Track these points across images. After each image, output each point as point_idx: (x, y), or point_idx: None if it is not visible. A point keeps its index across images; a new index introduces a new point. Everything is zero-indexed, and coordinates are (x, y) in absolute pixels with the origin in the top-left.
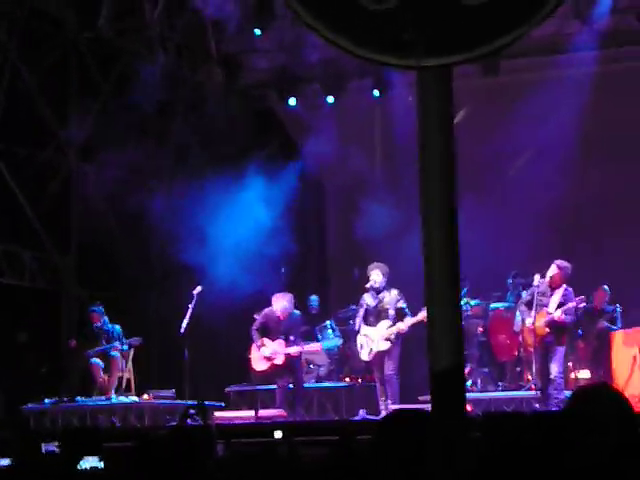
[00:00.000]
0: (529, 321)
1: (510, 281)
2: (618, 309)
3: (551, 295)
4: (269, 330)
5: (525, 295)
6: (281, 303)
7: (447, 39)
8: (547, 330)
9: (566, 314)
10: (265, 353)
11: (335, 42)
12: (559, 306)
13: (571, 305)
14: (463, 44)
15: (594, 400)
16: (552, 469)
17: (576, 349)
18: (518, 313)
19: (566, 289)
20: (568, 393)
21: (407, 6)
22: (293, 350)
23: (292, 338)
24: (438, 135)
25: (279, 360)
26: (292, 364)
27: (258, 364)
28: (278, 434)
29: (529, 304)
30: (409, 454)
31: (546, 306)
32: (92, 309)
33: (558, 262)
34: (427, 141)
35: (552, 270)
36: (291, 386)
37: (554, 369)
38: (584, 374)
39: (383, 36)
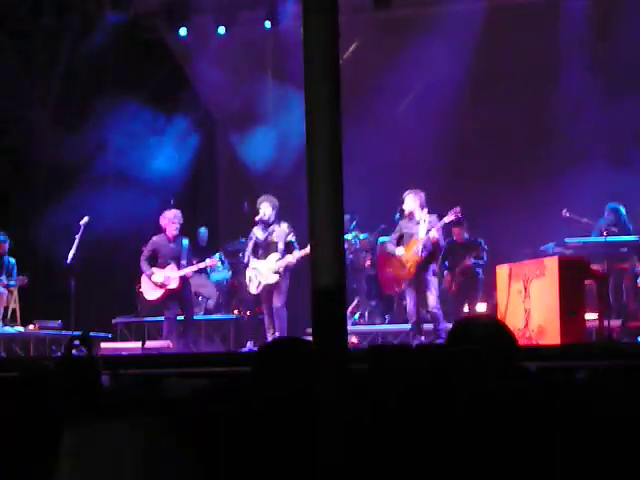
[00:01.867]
0: (401, 253)
1: (398, 216)
2: (483, 244)
3: (417, 224)
4: (159, 257)
5: (392, 234)
6: (167, 216)
7: None
8: (422, 255)
9: (439, 233)
10: (157, 280)
11: None
12: (428, 232)
13: (440, 223)
14: None
15: (481, 333)
16: (438, 398)
17: (443, 283)
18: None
19: (431, 215)
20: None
21: None
22: (188, 270)
23: (183, 262)
24: (324, 60)
25: (173, 284)
26: (185, 289)
27: (150, 293)
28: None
29: (400, 239)
30: (288, 382)
31: (415, 235)
32: (3, 239)
33: (411, 192)
34: (312, 65)
35: (409, 201)
36: (180, 317)
37: (431, 301)
38: (479, 307)
39: None
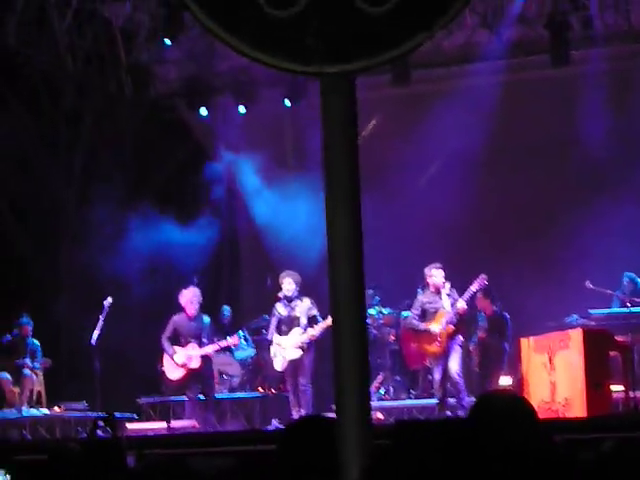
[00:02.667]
0: (435, 327)
1: (420, 290)
2: (508, 320)
3: (440, 299)
4: (180, 336)
5: (413, 309)
6: (187, 296)
7: (349, 46)
8: (452, 328)
9: (466, 302)
10: (179, 360)
11: (239, 49)
12: (453, 304)
13: (467, 293)
14: (365, 51)
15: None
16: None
17: (469, 353)
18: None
19: (450, 288)
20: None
21: (310, 13)
22: (209, 349)
23: (205, 341)
24: (342, 141)
25: (195, 364)
26: (206, 369)
27: (173, 373)
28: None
29: (420, 315)
30: (313, 461)
31: (441, 309)
32: (25, 321)
33: (431, 266)
34: (331, 147)
35: (431, 276)
36: (201, 397)
37: (453, 368)
38: (504, 380)
39: (286, 43)
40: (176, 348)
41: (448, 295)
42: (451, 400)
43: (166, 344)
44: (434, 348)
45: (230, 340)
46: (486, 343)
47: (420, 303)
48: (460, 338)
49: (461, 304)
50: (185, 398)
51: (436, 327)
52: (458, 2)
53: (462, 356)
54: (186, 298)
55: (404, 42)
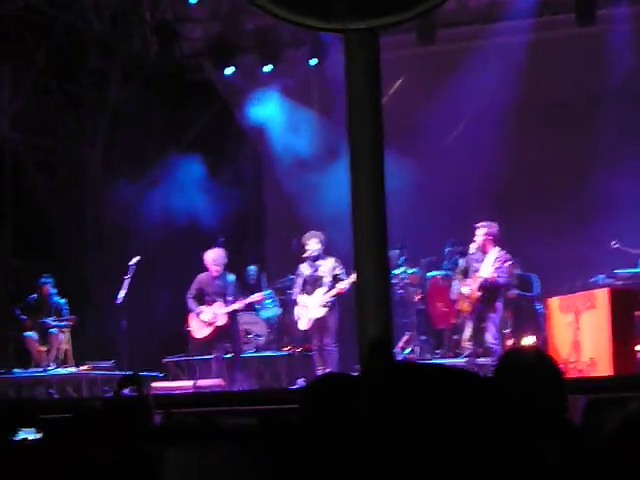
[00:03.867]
0: (465, 289)
1: (447, 249)
2: (533, 278)
3: (482, 260)
4: (205, 295)
5: (461, 263)
6: (211, 255)
7: (372, 3)
8: (479, 294)
9: (499, 275)
10: (205, 318)
11: (262, 6)
12: (488, 270)
13: (504, 265)
14: (386, 9)
15: (523, 361)
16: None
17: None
18: (455, 282)
19: (499, 252)
20: None
21: None
22: (235, 306)
23: (230, 299)
24: (366, 96)
25: (221, 321)
26: (233, 326)
27: (200, 332)
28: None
29: (465, 272)
30: (336, 418)
31: (477, 271)
32: (44, 281)
33: (483, 224)
34: (355, 103)
35: (479, 234)
36: (228, 355)
37: (488, 337)
38: (527, 340)
39: (310, 0)
40: (202, 307)
41: (496, 259)
42: (483, 359)
43: (192, 303)
44: (466, 307)
45: (255, 297)
46: (517, 304)
47: (464, 262)
48: (497, 305)
49: (491, 273)
50: (212, 357)
51: (467, 289)
52: None
53: (499, 322)
54: (210, 258)
55: (424, 0)
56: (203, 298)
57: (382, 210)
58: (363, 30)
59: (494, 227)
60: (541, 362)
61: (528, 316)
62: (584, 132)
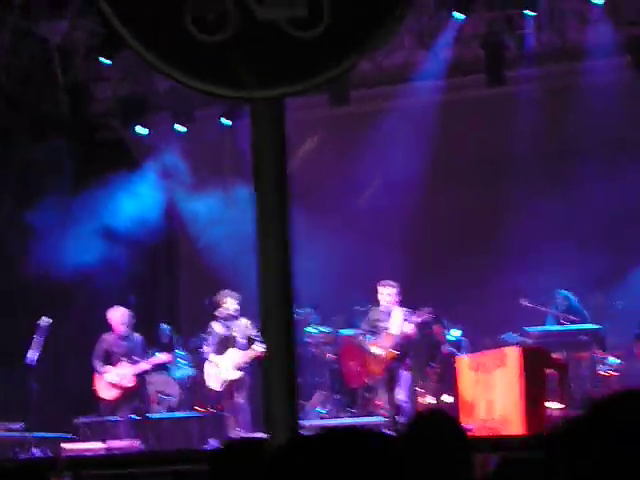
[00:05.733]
0: (377, 350)
1: (356, 307)
2: (461, 336)
3: (389, 318)
4: (111, 355)
5: (362, 324)
6: (115, 314)
7: (278, 71)
8: (395, 352)
9: (412, 329)
10: (111, 379)
11: (169, 74)
12: (401, 327)
13: (416, 319)
14: (293, 76)
15: (429, 426)
16: None
17: (425, 374)
18: (367, 340)
19: (406, 310)
20: None
21: (239, 39)
22: (142, 367)
23: (136, 358)
24: (271, 164)
25: (128, 382)
26: (141, 387)
27: (106, 392)
28: None
29: (370, 332)
30: None
31: (387, 329)
32: None
33: (386, 283)
34: (260, 171)
35: (382, 294)
36: (134, 416)
37: (400, 395)
38: (431, 399)
39: (216, 68)
40: (107, 367)
41: (405, 317)
42: (401, 419)
43: (97, 363)
44: (377, 369)
45: (162, 357)
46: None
47: (370, 320)
48: (407, 362)
49: (406, 328)
50: (118, 418)
51: (379, 350)
52: (388, 24)
53: (410, 382)
54: (114, 318)
55: (336, 65)
56: (110, 358)
57: (288, 270)
58: (269, 98)
59: (396, 286)
60: (445, 425)
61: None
62: (493, 191)
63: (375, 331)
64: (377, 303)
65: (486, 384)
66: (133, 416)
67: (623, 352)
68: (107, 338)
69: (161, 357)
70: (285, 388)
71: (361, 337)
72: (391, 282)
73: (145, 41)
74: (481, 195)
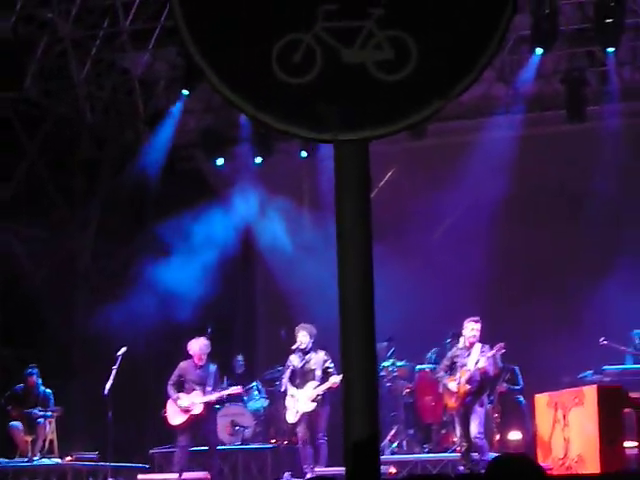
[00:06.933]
0: (452, 385)
1: (449, 342)
2: (517, 370)
3: (468, 355)
4: (185, 383)
5: (444, 360)
6: (196, 345)
7: (363, 114)
8: (468, 387)
9: (489, 365)
10: (182, 405)
11: (254, 116)
12: (477, 362)
13: (490, 354)
14: (378, 120)
15: (511, 470)
16: None
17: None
18: (439, 376)
19: (483, 345)
20: (493, 455)
21: (324, 81)
22: (213, 397)
23: (209, 388)
24: (355, 206)
25: (197, 410)
26: (209, 416)
27: (175, 418)
28: None
29: (450, 367)
30: None
31: (465, 365)
32: (30, 372)
33: (473, 319)
34: (344, 212)
35: (469, 328)
36: (200, 448)
37: (474, 430)
38: (513, 435)
39: (300, 110)
40: (180, 394)
41: (482, 352)
42: (474, 455)
43: (171, 389)
44: (452, 404)
45: (234, 389)
46: (504, 398)
47: (450, 355)
48: (483, 399)
49: (481, 364)
50: (176, 446)
51: (454, 385)
52: (473, 71)
53: (485, 417)
54: (194, 347)
55: (419, 110)
56: (183, 385)
57: (370, 304)
58: (353, 141)
59: (479, 322)
60: (528, 469)
61: (512, 409)
62: (572, 230)
63: (454, 367)
64: (457, 338)
65: (563, 422)
66: (201, 448)
67: None
68: (183, 365)
69: (233, 389)
70: (366, 418)
71: (441, 373)
72: (476, 318)
73: (230, 83)
74: (562, 232)
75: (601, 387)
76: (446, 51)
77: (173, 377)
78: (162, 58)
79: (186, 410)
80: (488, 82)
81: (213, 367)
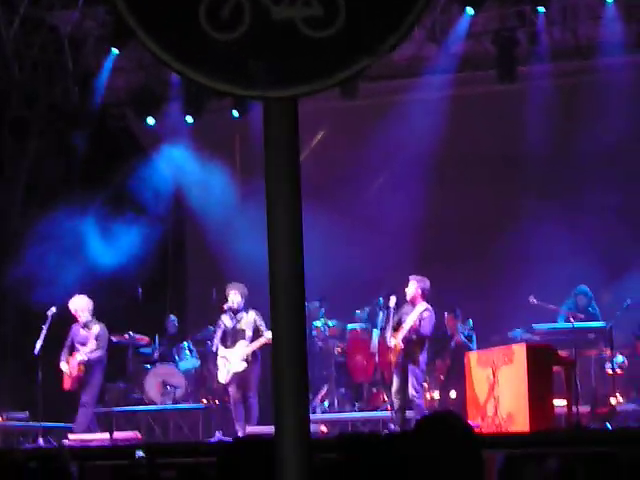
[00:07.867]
0: (392, 341)
1: (381, 301)
2: (471, 327)
3: (407, 313)
4: (74, 344)
5: (382, 317)
6: (75, 304)
7: (291, 71)
8: (402, 347)
9: (422, 326)
10: (64, 369)
11: (184, 73)
12: (415, 321)
13: (427, 315)
14: (306, 76)
15: (437, 428)
16: None
17: (433, 369)
18: (375, 334)
19: (427, 308)
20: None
21: (252, 37)
22: (85, 357)
23: (87, 349)
24: (283, 165)
25: (75, 371)
26: (91, 375)
27: (65, 382)
28: (139, 453)
29: (398, 325)
30: None
31: (404, 323)
32: None
33: (415, 277)
34: (272, 171)
35: (410, 287)
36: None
37: (410, 390)
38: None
39: (229, 67)
40: (64, 358)
41: (423, 311)
42: (410, 413)
43: (62, 353)
44: (390, 359)
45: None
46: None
47: (388, 312)
48: (419, 357)
49: (418, 322)
50: (131, 408)
51: (393, 341)
52: (401, 28)
53: (420, 374)
54: (75, 306)
55: (348, 66)
56: (74, 348)
57: (299, 263)
58: (282, 98)
59: (427, 281)
60: (455, 427)
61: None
62: (504, 188)
63: (397, 326)
64: (388, 298)
65: (493, 380)
66: (139, 407)
67: (630, 350)
68: (72, 328)
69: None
70: (295, 377)
71: (388, 332)
72: (422, 276)
73: (160, 40)
74: (493, 190)
75: (530, 345)
76: (374, 8)
77: (67, 340)
78: (91, 16)
79: (69, 375)
80: (419, 42)
81: (97, 327)
